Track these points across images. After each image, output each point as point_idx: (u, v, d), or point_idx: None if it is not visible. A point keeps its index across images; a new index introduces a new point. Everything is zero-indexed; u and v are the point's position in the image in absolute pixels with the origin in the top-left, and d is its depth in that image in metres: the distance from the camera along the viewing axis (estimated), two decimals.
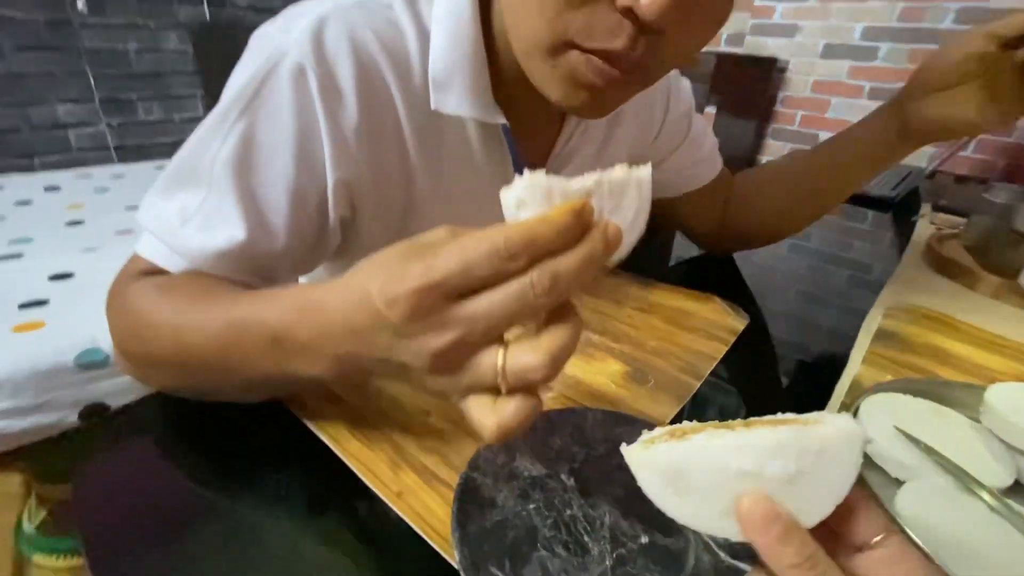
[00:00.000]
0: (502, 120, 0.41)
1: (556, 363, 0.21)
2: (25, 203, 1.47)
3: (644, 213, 0.25)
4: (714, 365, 0.46)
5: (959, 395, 0.39)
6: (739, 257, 0.72)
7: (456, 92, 0.39)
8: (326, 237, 0.41)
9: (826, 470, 0.18)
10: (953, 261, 0.66)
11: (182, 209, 0.36)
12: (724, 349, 0.49)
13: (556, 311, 0.23)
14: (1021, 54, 0.42)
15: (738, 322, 0.53)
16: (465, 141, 0.43)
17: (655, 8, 0.27)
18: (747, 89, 1.74)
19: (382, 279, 0.22)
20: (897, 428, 0.35)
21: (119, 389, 0.91)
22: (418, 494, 0.30)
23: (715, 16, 0.33)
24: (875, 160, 0.54)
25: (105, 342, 0.90)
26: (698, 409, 0.42)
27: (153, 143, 2.06)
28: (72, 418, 0.87)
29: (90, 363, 0.87)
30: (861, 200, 1.02)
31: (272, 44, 0.36)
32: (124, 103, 1.95)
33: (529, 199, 0.22)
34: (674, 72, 0.57)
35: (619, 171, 0.23)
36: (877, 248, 0.86)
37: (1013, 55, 0.42)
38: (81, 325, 0.91)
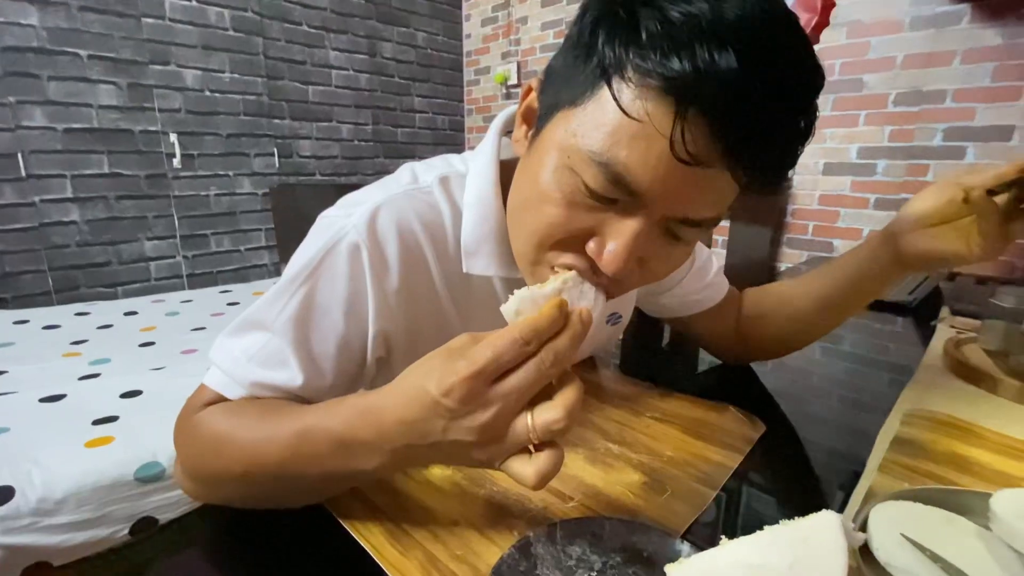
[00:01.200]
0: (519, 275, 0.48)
1: (571, 415, 0.30)
2: (107, 327, 1.65)
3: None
4: (729, 475, 0.48)
5: (970, 502, 0.39)
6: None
7: (483, 257, 0.47)
8: (364, 374, 0.48)
9: (817, 554, 0.23)
10: (972, 365, 0.66)
11: (247, 348, 0.43)
12: (740, 458, 0.50)
13: (561, 377, 0.31)
14: (1000, 199, 0.47)
15: (754, 431, 0.55)
16: (492, 295, 0.51)
17: (611, 269, 0.34)
18: (757, 204, 1.86)
19: (436, 375, 0.30)
20: (904, 536, 0.36)
21: (169, 503, 0.96)
22: None
23: (666, 265, 0.38)
24: (869, 288, 0.59)
25: (163, 455, 0.96)
26: (716, 517, 0.43)
27: (220, 271, 2.31)
28: (124, 532, 0.91)
29: (147, 477, 0.93)
30: (880, 305, 1.04)
31: (335, 226, 0.44)
32: (200, 238, 2.24)
33: (522, 308, 0.32)
34: None
35: (565, 273, 0.35)
36: (897, 350, 0.87)
37: (992, 200, 0.47)
38: (144, 440, 0.98)
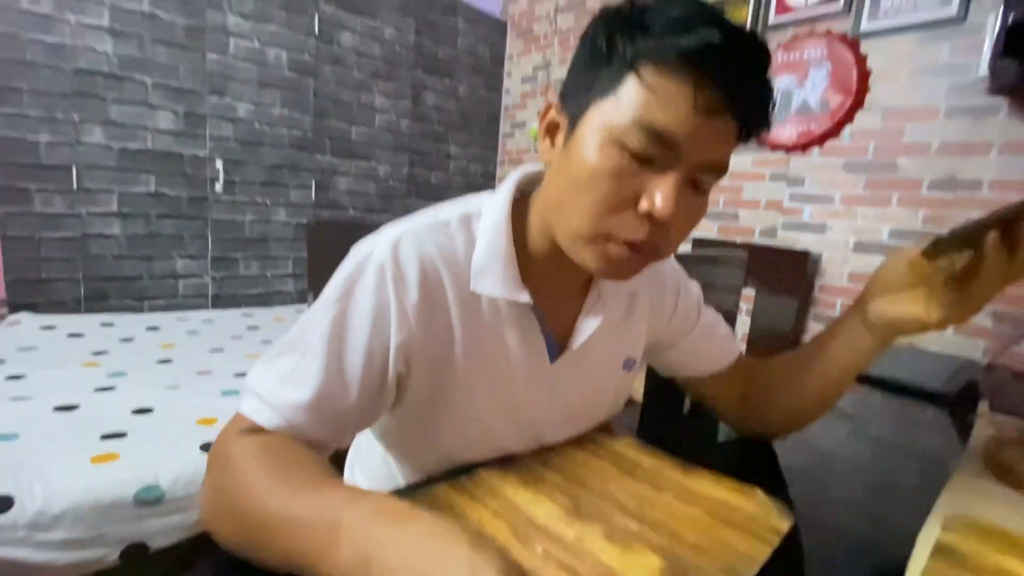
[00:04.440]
0: (527, 299, 0.51)
1: None
2: (129, 340, 1.68)
3: None
4: (757, 569, 0.45)
5: None
6: (790, 439, 0.72)
7: (490, 278, 0.51)
8: (385, 391, 0.50)
9: None
10: (1014, 469, 0.63)
11: (280, 371, 0.47)
12: (768, 551, 0.47)
13: None
14: (941, 264, 0.48)
15: (782, 522, 0.52)
16: (498, 315, 0.53)
17: (666, 212, 0.41)
18: (783, 276, 1.84)
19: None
20: None
21: (163, 530, 0.93)
22: None
23: (696, 216, 0.46)
24: (846, 359, 0.59)
25: (164, 479, 0.95)
26: None
27: (245, 293, 2.35)
28: (114, 556, 0.89)
29: (146, 500, 0.92)
30: (916, 393, 1.00)
31: (365, 250, 0.50)
32: (230, 260, 2.29)
33: None
34: (684, 274, 0.69)
35: None
36: (933, 441, 0.82)
37: (931, 264, 0.49)
38: (148, 461, 0.97)
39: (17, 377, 1.29)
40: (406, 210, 2.85)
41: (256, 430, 0.46)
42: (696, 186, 0.44)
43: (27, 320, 1.73)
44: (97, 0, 1.88)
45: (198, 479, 0.96)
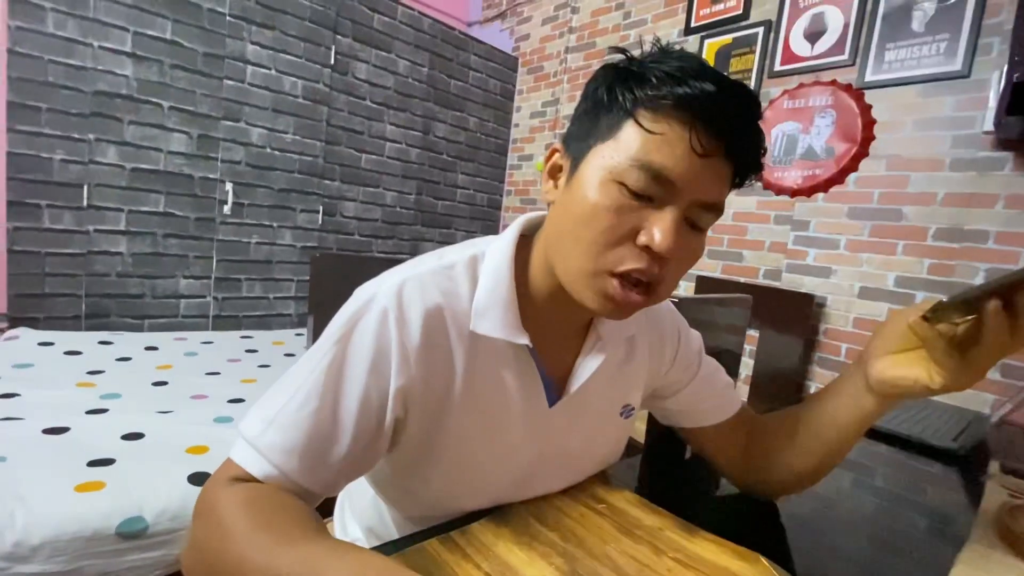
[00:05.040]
0: (526, 341, 0.52)
1: None
2: (126, 360, 1.66)
3: None
4: None
5: None
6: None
7: (490, 320, 0.51)
8: (381, 438, 0.49)
9: None
10: None
11: (272, 414, 0.46)
12: None
13: None
14: (942, 328, 0.46)
15: None
16: (497, 356, 0.53)
17: (664, 245, 0.43)
18: (787, 319, 1.83)
19: None
20: None
21: (144, 565, 0.90)
22: None
23: (694, 254, 0.48)
24: (852, 414, 0.57)
25: (149, 512, 0.92)
26: None
27: (246, 315, 2.34)
28: None
29: (129, 533, 0.89)
30: (924, 450, 0.98)
31: (368, 293, 0.49)
32: (233, 281, 2.30)
33: None
34: (684, 323, 0.68)
35: None
36: (942, 499, 0.79)
37: (932, 328, 0.47)
38: (133, 491, 0.95)
39: (10, 395, 1.27)
40: (412, 236, 2.87)
41: (245, 479, 0.45)
42: (693, 225, 0.45)
43: (25, 335, 1.72)
44: (121, 26, 1.93)
45: (184, 512, 0.94)
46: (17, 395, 1.28)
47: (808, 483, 0.65)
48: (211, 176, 2.20)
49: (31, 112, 1.81)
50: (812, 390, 1.87)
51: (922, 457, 0.95)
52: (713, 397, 0.68)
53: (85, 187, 1.94)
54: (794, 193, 1.93)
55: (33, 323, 1.87)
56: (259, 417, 0.47)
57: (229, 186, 2.23)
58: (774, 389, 1.78)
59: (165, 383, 1.51)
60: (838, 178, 1.82)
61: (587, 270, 0.45)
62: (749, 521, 0.65)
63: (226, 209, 2.23)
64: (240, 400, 1.43)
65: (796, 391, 1.84)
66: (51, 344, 1.69)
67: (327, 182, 2.52)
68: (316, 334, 0.83)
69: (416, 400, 0.50)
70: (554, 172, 0.51)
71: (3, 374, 1.40)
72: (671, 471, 0.84)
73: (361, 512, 0.66)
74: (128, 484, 0.96)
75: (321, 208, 2.51)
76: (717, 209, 0.45)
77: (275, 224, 2.38)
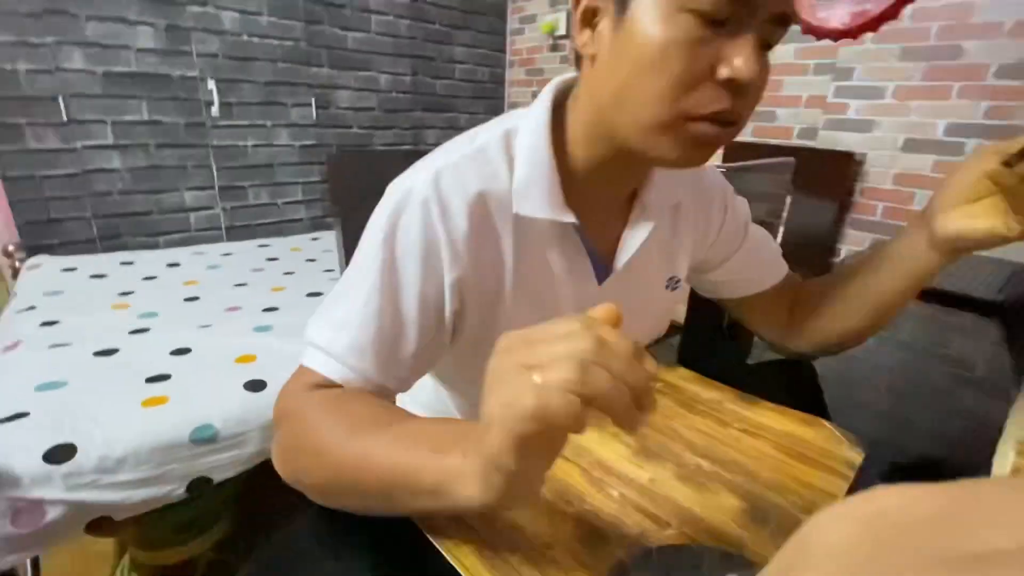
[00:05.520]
0: (572, 219, 0.49)
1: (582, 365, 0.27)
2: (151, 279, 1.67)
3: None
4: None
5: None
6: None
7: (533, 199, 0.48)
8: (442, 331, 0.50)
9: None
10: None
11: (337, 321, 0.47)
12: (845, 486, 0.47)
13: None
14: (1020, 169, 0.44)
15: (854, 453, 0.51)
16: (542, 238, 0.51)
17: (750, 73, 0.38)
18: (822, 180, 1.73)
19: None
20: None
21: (223, 464, 0.97)
22: None
23: (766, 80, 0.42)
24: (911, 274, 0.55)
25: (216, 419, 0.97)
26: None
27: (258, 224, 2.30)
28: (180, 491, 0.94)
29: (202, 439, 0.95)
30: (963, 302, 0.97)
31: (404, 186, 0.47)
32: (238, 189, 2.22)
33: None
34: (730, 190, 0.64)
35: None
36: (988, 355, 0.80)
37: (1013, 172, 0.44)
38: (197, 402, 0.99)
39: (51, 323, 1.30)
40: (413, 124, 2.69)
41: (323, 384, 0.46)
42: (767, 46, 0.41)
43: (47, 263, 1.71)
44: None
45: (247, 417, 0.99)
46: (57, 322, 1.30)
47: (853, 343, 0.65)
48: (190, 74, 2.01)
49: None
50: (844, 253, 1.83)
51: (963, 311, 0.94)
52: (760, 265, 0.66)
53: (60, 99, 1.80)
54: (840, 36, 1.71)
55: (49, 250, 1.85)
56: (325, 324, 0.47)
57: (212, 84, 2.05)
58: (805, 254, 1.75)
59: (197, 298, 1.52)
60: (892, 13, 1.59)
61: (663, 120, 0.40)
62: (792, 386, 0.67)
63: (214, 111, 2.08)
64: (275, 308, 1.45)
65: (827, 255, 1.81)
66: (74, 269, 1.68)
67: (315, 69, 2.30)
68: (346, 239, 0.80)
69: (471, 290, 0.49)
70: (589, 18, 0.43)
71: (37, 303, 1.41)
72: (712, 345, 0.85)
73: (424, 403, 0.69)
74: (189, 396, 1.00)
75: (313, 100, 2.33)
76: (791, 19, 0.40)
77: (269, 123, 2.23)
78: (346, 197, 0.82)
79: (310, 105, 2.32)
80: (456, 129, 2.73)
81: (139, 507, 0.90)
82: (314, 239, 2.22)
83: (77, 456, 0.85)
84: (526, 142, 0.49)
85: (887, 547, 0.13)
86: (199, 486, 0.95)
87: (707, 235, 0.63)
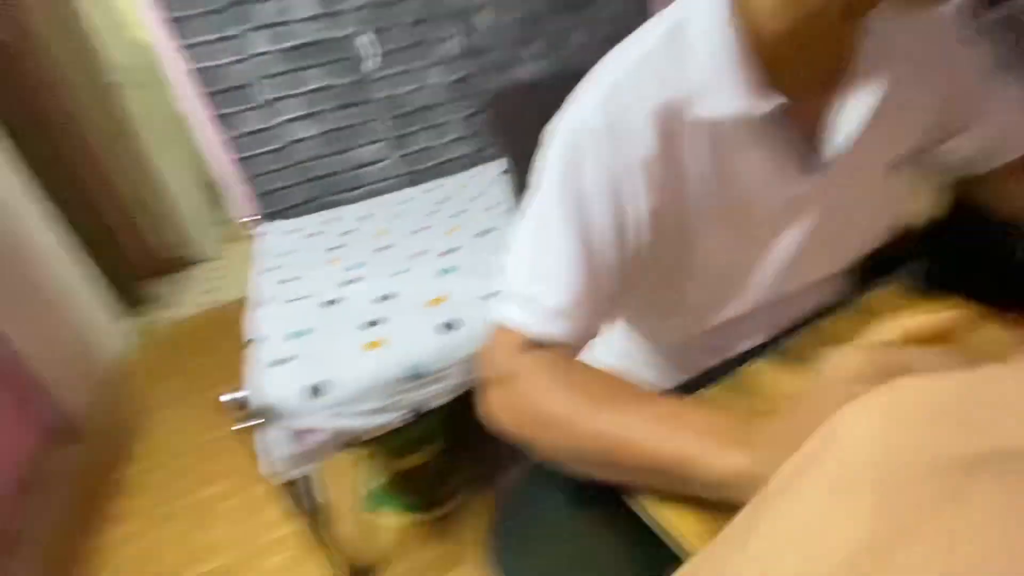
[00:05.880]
0: (777, 100, 0.43)
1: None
2: (350, 232, 1.90)
3: None
4: None
5: None
6: None
7: (723, 93, 0.43)
8: (640, 265, 0.48)
9: None
10: None
11: (533, 275, 0.47)
12: None
13: None
14: None
15: None
16: (737, 136, 0.46)
17: None
18: None
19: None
20: None
21: (435, 395, 1.11)
22: None
23: None
24: None
25: (423, 359, 1.09)
26: None
27: (426, 167, 2.43)
28: (407, 416, 1.10)
29: (414, 376, 1.08)
30: None
31: (574, 120, 0.46)
32: (405, 137, 2.35)
33: None
34: (970, 32, 0.50)
35: None
36: None
37: None
38: (404, 344, 1.13)
39: (287, 280, 1.56)
40: (557, 28, 2.48)
41: (533, 346, 0.46)
42: None
43: (271, 229, 2.05)
44: None
45: (442, 355, 1.09)
46: (299, 278, 1.56)
47: None
48: (342, 34, 2.11)
49: (189, 22, 1.89)
50: None
51: None
52: (1017, 125, 0.52)
53: (255, 85, 2.06)
54: None
55: (270, 218, 2.21)
56: (521, 280, 0.48)
57: (365, 38, 2.13)
58: None
59: (389, 246, 1.69)
60: None
61: None
62: None
63: (370, 64, 2.18)
64: (455, 249, 1.53)
65: None
66: (293, 232, 1.99)
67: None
68: (519, 176, 0.78)
69: (668, 216, 0.47)
70: None
71: (277, 264, 1.71)
72: (976, 254, 0.63)
73: (610, 343, 0.67)
74: (398, 339, 1.14)
75: (455, 32, 2.28)
76: None
77: (419, 64, 2.27)
78: (512, 133, 0.79)
79: (453, 37, 2.29)
80: (601, 20, 2.46)
81: (378, 430, 1.08)
82: (475, 176, 2.27)
83: (333, 391, 1.04)
84: (703, 27, 0.43)
85: (905, 448, 0.14)
86: (419, 411, 1.10)
87: (943, 97, 0.50)
